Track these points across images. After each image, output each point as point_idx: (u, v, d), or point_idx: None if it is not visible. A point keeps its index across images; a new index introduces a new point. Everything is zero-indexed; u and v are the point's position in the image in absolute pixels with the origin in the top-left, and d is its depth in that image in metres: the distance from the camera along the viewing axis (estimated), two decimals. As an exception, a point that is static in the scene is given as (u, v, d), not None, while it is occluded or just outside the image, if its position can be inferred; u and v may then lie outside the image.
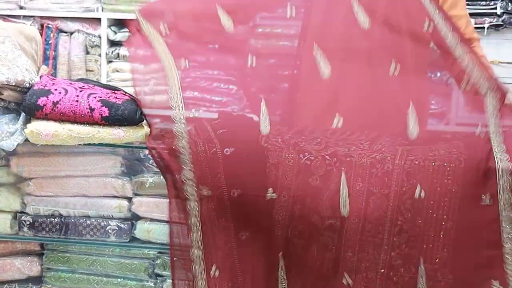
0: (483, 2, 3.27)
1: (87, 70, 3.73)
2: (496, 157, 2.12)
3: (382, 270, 2.18)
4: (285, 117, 2.46)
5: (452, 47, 2.26)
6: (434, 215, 2.14)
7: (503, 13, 3.27)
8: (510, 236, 2.10)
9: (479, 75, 2.23)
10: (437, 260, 2.16)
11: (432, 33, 2.30)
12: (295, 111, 2.47)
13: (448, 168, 2.13)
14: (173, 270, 2.24)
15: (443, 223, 2.14)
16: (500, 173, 2.10)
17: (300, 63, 2.48)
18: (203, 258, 2.18)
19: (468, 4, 3.28)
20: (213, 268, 2.19)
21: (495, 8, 3.26)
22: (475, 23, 3.30)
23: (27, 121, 2.29)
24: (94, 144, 2.28)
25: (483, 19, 3.27)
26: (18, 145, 2.25)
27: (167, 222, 2.28)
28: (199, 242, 2.17)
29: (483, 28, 3.26)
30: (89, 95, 2.27)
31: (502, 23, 3.27)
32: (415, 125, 2.23)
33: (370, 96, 2.32)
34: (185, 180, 2.15)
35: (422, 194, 2.14)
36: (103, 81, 3.64)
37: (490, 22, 3.25)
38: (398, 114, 2.26)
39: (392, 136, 2.26)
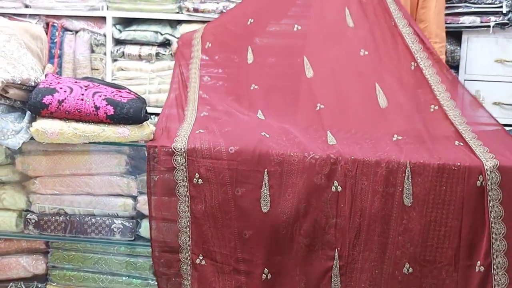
0: (489, 1, 3.25)
1: (92, 69, 3.72)
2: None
3: (387, 269, 2.18)
4: (288, 116, 2.46)
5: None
6: (439, 214, 2.14)
7: (509, 11, 3.25)
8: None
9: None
10: (442, 258, 2.16)
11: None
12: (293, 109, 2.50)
13: (453, 167, 2.13)
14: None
15: (447, 221, 2.14)
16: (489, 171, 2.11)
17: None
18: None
19: (473, 3, 3.28)
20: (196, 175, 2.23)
21: (501, 7, 3.24)
22: (481, 22, 3.29)
23: (33, 119, 2.30)
24: (99, 143, 2.29)
25: (488, 18, 3.25)
26: (23, 143, 2.25)
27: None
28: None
29: (489, 26, 3.24)
30: (94, 93, 2.27)
31: (507, 21, 3.25)
32: (383, 97, 2.33)
33: (343, 76, 2.44)
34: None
35: (427, 193, 2.14)
36: (108, 79, 3.64)
37: (496, 21, 3.24)
38: (366, 88, 2.38)
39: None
